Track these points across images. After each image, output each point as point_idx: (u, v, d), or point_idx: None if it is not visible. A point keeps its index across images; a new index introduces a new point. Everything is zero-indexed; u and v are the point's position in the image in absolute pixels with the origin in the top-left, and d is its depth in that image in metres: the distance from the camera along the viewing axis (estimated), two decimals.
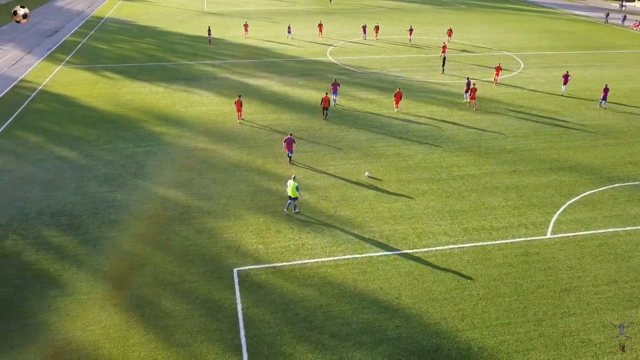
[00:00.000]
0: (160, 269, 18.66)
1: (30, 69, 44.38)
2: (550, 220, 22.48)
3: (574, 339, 15.97)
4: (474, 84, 37.35)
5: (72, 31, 60.68)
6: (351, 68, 46.19)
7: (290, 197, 21.94)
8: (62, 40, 55.89)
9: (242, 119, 33.26)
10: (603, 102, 37.28)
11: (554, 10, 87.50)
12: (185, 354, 15.06)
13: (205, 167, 26.65)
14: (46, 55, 49.24)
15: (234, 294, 17.53)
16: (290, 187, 21.66)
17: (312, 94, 38.76)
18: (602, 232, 21.70)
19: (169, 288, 17.73)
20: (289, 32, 58.08)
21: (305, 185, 24.92)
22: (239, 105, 32.25)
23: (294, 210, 22.60)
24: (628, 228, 22.07)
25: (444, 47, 49.18)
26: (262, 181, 25.36)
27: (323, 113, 33.69)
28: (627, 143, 31.23)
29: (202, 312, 16.68)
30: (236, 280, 18.21)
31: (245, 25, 58.80)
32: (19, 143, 29.10)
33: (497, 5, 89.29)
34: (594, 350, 15.52)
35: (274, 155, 28.25)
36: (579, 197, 24.60)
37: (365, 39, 58.39)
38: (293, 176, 22.37)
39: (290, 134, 27.02)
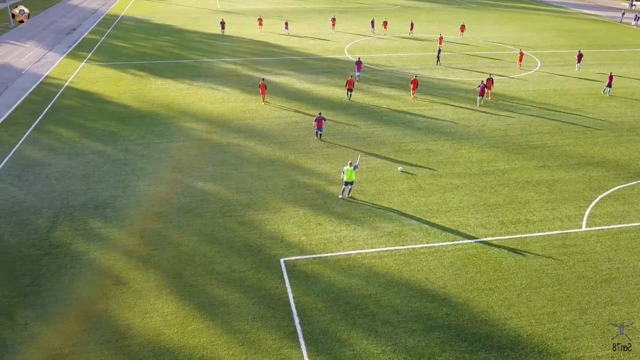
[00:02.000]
0: (209, 259, 19.12)
1: (54, 66, 44.92)
2: (584, 214, 22.88)
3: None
4: (490, 76, 38.23)
5: (90, 29, 61.21)
6: (370, 66, 46.59)
7: (346, 182, 22.99)
8: (81, 38, 56.42)
9: (266, 101, 36.43)
10: (608, 89, 39.49)
11: (565, 10, 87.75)
12: (244, 340, 15.52)
13: (240, 162, 27.11)
14: (67, 52, 49.78)
15: (284, 283, 17.99)
16: (345, 172, 22.70)
17: (335, 91, 39.19)
18: (636, 226, 22.10)
19: (220, 277, 18.20)
20: (286, 27, 59.83)
21: (338, 180, 25.35)
22: (263, 87, 35.70)
23: (348, 194, 23.61)
24: None
25: (441, 38, 52.53)
26: (296, 175, 25.80)
27: (347, 94, 37.06)
28: None
29: (254, 301, 17.14)
30: (284, 270, 18.66)
31: (260, 20, 61.38)
32: (54, 138, 29.61)
33: (507, 4, 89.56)
34: (638, 337, 15.94)
35: (304, 150, 28.69)
36: (610, 191, 24.99)
37: (373, 32, 60.83)
38: (350, 162, 23.19)
39: (320, 113, 29.54)
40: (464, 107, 36.29)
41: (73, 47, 52.03)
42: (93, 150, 28.09)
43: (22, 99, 36.37)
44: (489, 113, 35.27)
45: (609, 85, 39.29)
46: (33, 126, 31.26)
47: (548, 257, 19.79)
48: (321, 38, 57.86)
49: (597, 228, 21.84)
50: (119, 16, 70.19)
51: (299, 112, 34.74)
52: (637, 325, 16.47)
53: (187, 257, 19.25)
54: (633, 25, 73.34)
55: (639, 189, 25.33)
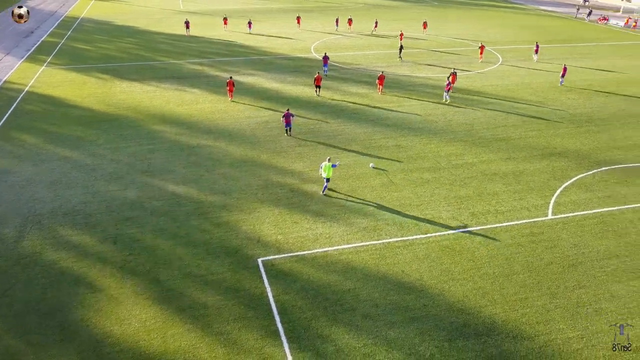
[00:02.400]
0: (185, 263, 18.98)
1: (13, 70, 43.46)
2: (549, 203, 23.74)
3: (587, 308, 17.13)
4: (453, 70, 39.69)
5: (49, 32, 59.42)
6: (337, 64, 46.89)
7: (325, 179, 23.48)
8: (40, 41, 54.74)
9: (234, 100, 36.55)
10: (561, 79, 41.91)
11: (523, 6, 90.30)
12: (226, 341, 15.51)
13: (212, 163, 26.93)
14: (26, 56, 48.23)
15: (263, 283, 18.03)
16: (324, 168, 23.17)
17: (304, 90, 39.31)
18: (598, 212, 23.08)
19: (198, 280, 18.10)
20: (250, 27, 60.06)
21: (312, 178, 25.52)
22: (231, 85, 35.95)
23: (322, 192, 23.96)
24: (621, 207, 23.52)
25: (401, 34, 53.59)
26: (270, 175, 25.83)
27: (316, 90, 37.93)
28: (608, 130, 32.95)
29: (234, 302, 17.13)
30: (262, 270, 18.70)
31: (225, 19, 61.99)
32: (17, 144, 28.72)
33: (469, 2, 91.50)
34: (606, 318, 16.71)
35: (276, 150, 28.73)
36: (572, 180, 25.98)
37: (337, 30, 61.70)
38: (328, 158, 23.77)
39: (288, 109, 30.21)
40: (430, 103, 36.99)
41: (32, 50, 50.44)
42: (59, 156, 27.39)
43: None
44: (455, 107, 36.07)
45: (563, 76, 41.68)
46: None
47: (518, 245, 20.47)
48: (287, 37, 57.84)
49: (562, 216, 22.70)
50: (78, 18, 68.37)
51: (269, 111, 34.71)
52: (604, 306, 17.23)
53: (163, 261, 19.06)
54: (586, 20, 76.09)
55: (599, 177, 26.42)
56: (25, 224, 21.10)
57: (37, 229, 20.81)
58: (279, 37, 58.13)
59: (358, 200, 23.50)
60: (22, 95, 37.13)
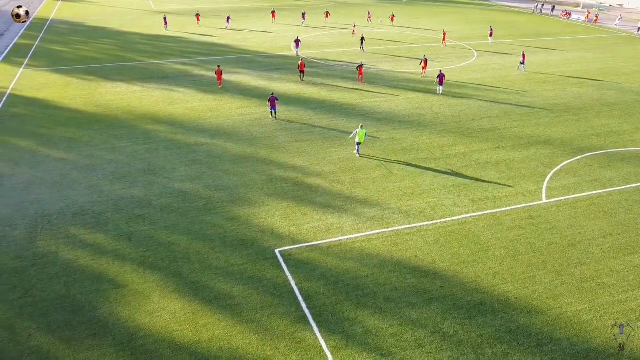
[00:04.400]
0: (204, 256, 19.28)
1: None
2: (542, 188, 25.04)
3: (591, 283, 18.33)
4: (425, 57, 43.49)
5: (20, 34, 57.92)
6: (320, 61, 47.54)
7: (357, 143, 27.08)
8: (12, 43, 53.33)
9: (222, 87, 39.11)
10: (522, 66, 45.34)
11: (488, 3, 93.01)
12: (258, 328, 15.96)
13: (212, 160, 27.16)
14: (1, 59, 46.95)
15: (283, 272, 18.53)
16: (358, 134, 26.72)
17: (291, 87, 39.80)
18: (588, 195, 24.51)
19: (220, 272, 18.45)
20: (228, 22, 62.74)
21: (314, 171, 26.11)
22: (219, 74, 37.99)
23: (357, 153, 27.56)
24: (608, 190, 25.02)
25: (354, 26, 59.84)
26: (272, 170, 26.26)
27: (300, 76, 41.19)
28: (585, 118, 34.75)
29: (259, 291, 17.57)
30: (281, 260, 19.19)
31: (197, 15, 64.03)
32: (9, 148, 28.20)
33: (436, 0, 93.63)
34: (609, 291, 17.94)
35: (274, 146, 29.16)
36: (560, 166, 27.42)
37: (302, 24, 65.78)
38: (361, 125, 27.23)
39: (272, 93, 32.99)
40: (415, 97, 38.08)
41: (6, 52, 49.12)
42: (55, 158, 27.07)
43: None
44: (440, 102, 37.25)
45: (522, 63, 45.07)
46: None
47: (519, 228, 21.60)
48: (266, 35, 58.10)
49: (556, 199, 24.01)
50: (48, 20, 66.76)
51: (260, 108, 35.06)
52: (606, 280, 18.49)
53: (181, 255, 19.30)
54: (535, 13, 78.96)
55: (584, 162, 27.96)
56: (34, 225, 20.93)
57: (48, 229, 20.68)
58: (257, 35, 58.33)
59: (362, 192, 24.22)
60: (4, 98, 36.29)
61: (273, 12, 68.06)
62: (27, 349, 14.88)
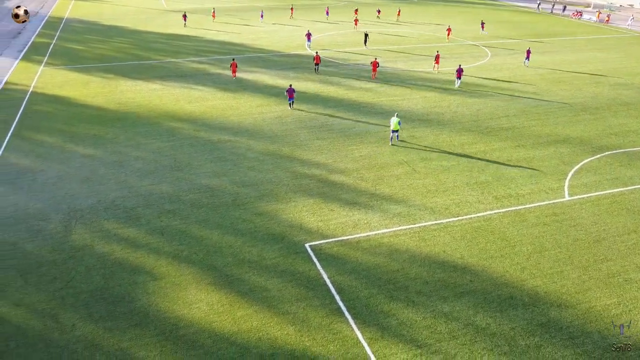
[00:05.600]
0: (237, 250, 19.67)
1: (10, 70, 42.87)
2: (564, 185, 25.31)
3: (618, 278, 18.62)
4: (437, 52, 45.52)
5: (36, 32, 58.49)
6: (335, 60, 47.89)
7: (393, 131, 28.83)
8: (30, 41, 53.91)
9: (238, 78, 41.73)
10: (526, 61, 46.97)
11: (499, 3, 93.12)
12: (294, 320, 16.33)
13: (237, 158, 27.55)
14: (21, 57, 47.53)
15: (315, 266, 18.89)
16: (393, 122, 28.64)
17: (309, 86, 40.15)
18: (610, 192, 24.77)
19: (253, 265, 18.83)
20: (262, 16, 67.15)
21: (338, 169, 26.46)
22: (234, 66, 41.06)
23: (397, 139, 29.58)
24: (629, 188, 25.27)
25: (356, 20, 62.64)
26: (296, 167, 26.64)
27: (315, 68, 43.31)
28: (603, 117, 34.97)
29: (293, 284, 17.94)
30: (312, 254, 19.56)
31: (213, 12, 67.27)
32: (37, 144, 28.69)
33: None
34: (637, 286, 18.23)
35: (296, 143, 29.53)
36: (580, 164, 27.67)
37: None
38: (396, 113, 29.71)
39: (290, 85, 34.91)
40: (432, 95, 38.38)
41: (24, 51, 49.68)
42: (82, 154, 27.54)
43: None
44: (457, 101, 37.54)
45: (527, 58, 46.75)
46: (10, 133, 30.04)
47: (544, 225, 21.89)
48: (279, 34, 58.50)
49: (578, 197, 24.28)
50: (63, 18, 67.37)
51: (279, 106, 35.44)
52: (633, 276, 18.76)
53: (214, 250, 19.69)
54: (565, 17, 79.17)
55: (604, 161, 28.20)
56: (68, 219, 21.37)
57: (82, 223, 21.12)
58: (272, 34, 58.73)
59: (386, 188, 24.57)
60: (27, 96, 36.80)
61: (291, 9, 71.70)
62: (72, 337, 15.30)
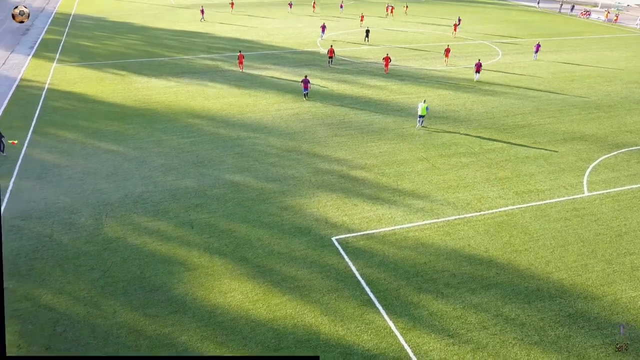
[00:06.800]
0: (266, 242, 20.03)
1: (24, 67, 43.19)
2: (583, 181, 25.66)
3: None
4: (448, 46, 47.07)
5: (45, 29, 58.81)
6: (347, 58, 48.21)
7: (420, 116, 30.62)
8: (40, 38, 54.22)
9: (243, 71, 42.92)
10: (535, 55, 49.30)
11: (507, 2, 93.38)
12: (327, 309, 16.69)
13: (258, 154, 27.89)
14: (32, 53, 47.85)
15: (343, 259, 19.25)
16: (421, 107, 30.46)
17: (323, 83, 40.48)
18: (629, 188, 25.12)
19: (283, 257, 19.19)
20: (290, 6, 72.26)
21: (358, 165, 26.81)
22: (241, 58, 42.22)
23: (421, 124, 31.29)
24: None
25: (362, 17, 62.96)
26: (317, 163, 26.98)
27: (329, 61, 44.85)
28: (617, 115, 35.31)
29: (323, 275, 18.30)
30: (339, 247, 19.91)
31: (232, 3, 71.56)
32: (59, 140, 29.03)
33: None
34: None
35: (315, 140, 29.86)
36: (598, 161, 28.02)
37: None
38: (424, 99, 31.22)
39: (306, 76, 36.62)
40: (446, 94, 38.72)
41: (35, 48, 50.00)
42: (105, 150, 27.88)
43: (4, 103, 34.99)
44: (471, 98, 37.88)
45: (536, 52, 49.18)
46: (31, 129, 30.38)
47: (565, 220, 22.25)
48: (289, 31, 58.80)
49: (598, 192, 24.64)
50: (70, 15, 67.65)
51: (295, 103, 35.77)
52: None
53: (244, 242, 20.05)
54: (574, 16, 79.44)
55: (620, 158, 28.55)
56: (98, 213, 21.72)
57: (112, 217, 21.47)
58: (281, 31, 59.03)
59: (407, 184, 24.92)
60: (44, 92, 37.14)
61: (290, 4, 73.35)
62: (115, 323, 15.68)
